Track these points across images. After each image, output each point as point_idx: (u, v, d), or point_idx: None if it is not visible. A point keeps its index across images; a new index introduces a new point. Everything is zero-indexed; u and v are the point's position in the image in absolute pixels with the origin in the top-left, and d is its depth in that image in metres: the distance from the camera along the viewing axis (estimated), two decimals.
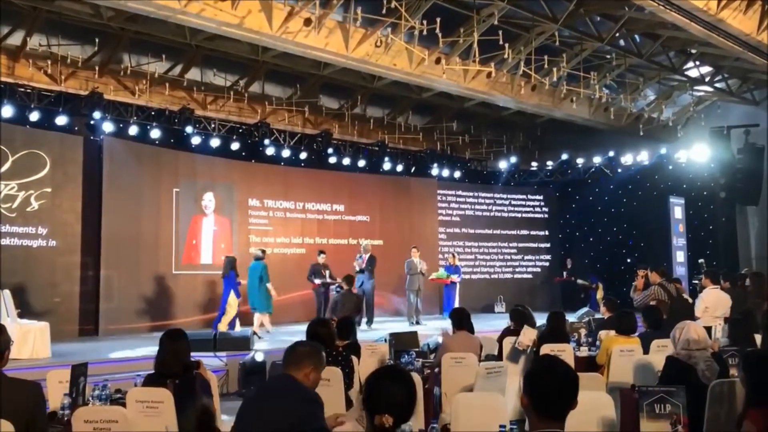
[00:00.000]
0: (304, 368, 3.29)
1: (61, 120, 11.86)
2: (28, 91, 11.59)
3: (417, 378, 4.94)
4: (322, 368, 3.42)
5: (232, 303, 11.45)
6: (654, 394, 3.84)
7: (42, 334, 9.00)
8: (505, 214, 18.58)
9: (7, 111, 11.17)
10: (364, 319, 12.76)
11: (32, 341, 8.82)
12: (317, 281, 12.65)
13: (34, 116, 11.55)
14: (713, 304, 8.10)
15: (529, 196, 18.96)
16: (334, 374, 5.08)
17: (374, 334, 11.08)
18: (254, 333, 10.83)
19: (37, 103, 11.61)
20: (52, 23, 11.67)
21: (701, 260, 13.07)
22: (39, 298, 11.09)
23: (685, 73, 15.95)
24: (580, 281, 16.44)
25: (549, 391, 2.44)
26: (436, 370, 6.35)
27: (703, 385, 4.29)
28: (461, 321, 6.71)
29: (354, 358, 5.58)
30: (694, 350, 4.52)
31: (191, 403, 4.05)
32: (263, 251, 12.29)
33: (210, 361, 8.76)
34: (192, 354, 4.54)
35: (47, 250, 11.53)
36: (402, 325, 12.86)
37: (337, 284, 12.23)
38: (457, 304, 13.57)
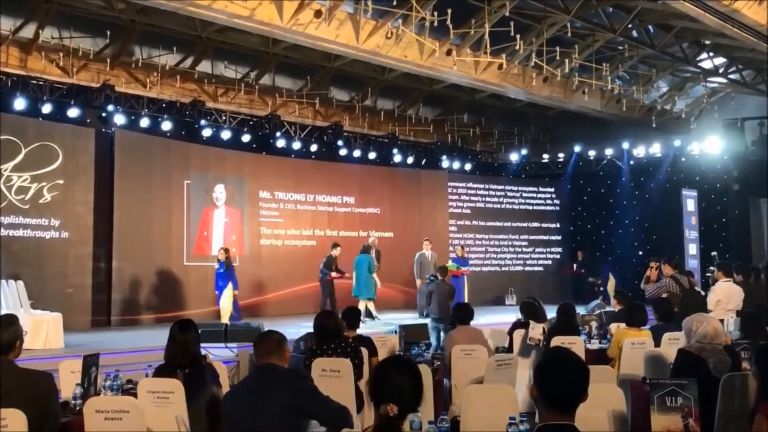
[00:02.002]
0: (284, 352, 3.63)
1: (73, 112, 11.92)
2: (41, 83, 11.64)
3: (426, 369, 4.96)
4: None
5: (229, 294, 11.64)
6: (665, 386, 3.81)
7: (55, 324, 9.07)
8: (516, 207, 18.52)
9: (20, 103, 11.25)
10: (368, 314, 12.81)
11: (45, 332, 8.89)
12: (334, 274, 12.72)
13: (46, 108, 11.61)
14: (726, 296, 8.03)
15: (541, 189, 18.88)
16: (344, 365, 5.09)
17: (384, 326, 11.09)
18: (373, 316, 12.80)
19: (49, 95, 11.66)
20: (64, 16, 11.70)
21: (714, 253, 12.96)
22: (52, 289, 11.18)
23: (699, 64, 15.80)
24: (590, 279, 16.33)
25: (559, 382, 2.43)
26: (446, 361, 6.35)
27: (715, 378, 4.26)
28: (466, 316, 6.71)
29: (363, 349, 5.59)
30: (706, 344, 4.49)
31: (201, 394, 4.07)
32: (369, 245, 13.22)
33: (221, 352, 8.80)
34: (202, 345, 4.56)
35: (60, 242, 11.62)
36: (412, 317, 12.88)
37: (430, 275, 12.13)
38: (466, 297, 13.56)
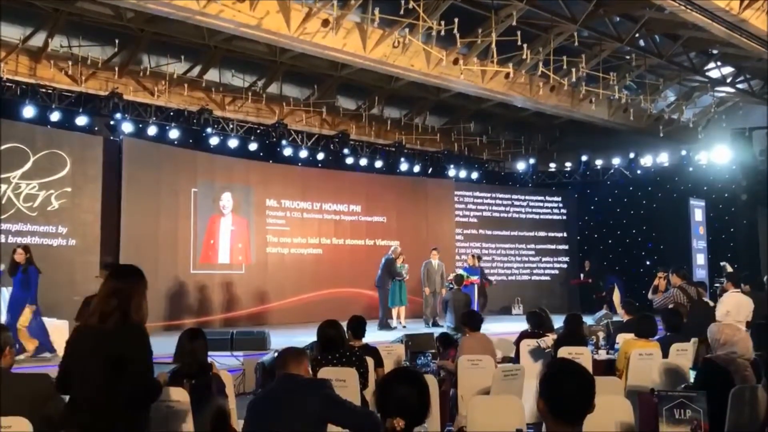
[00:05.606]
0: (303, 364, 3.59)
1: (82, 120, 12.00)
2: (50, 91, 11.72)
3: (432, 380, 4.94)
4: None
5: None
6: (674, 399, 3.78)
7: (61, 332, 9.07)
8: (523, 216, 18.48)
9: (29, 111, 11.32)
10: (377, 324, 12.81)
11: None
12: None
13: (54, 116, 11.68)
14: (735, 308, 7.91)
15: (547, 198, 18.84)
16: (349, 375, 5.06)
17: (391, 335, 11.06)
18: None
19: (57, 103, 11.74)
20: (73, 24, 11.79)
21: (723, 263, 12.85)
22: (59, 297, 11.19)
23: (706, 73, 15.76)
24: (595, 295, 16.21)
25: (565, 394, 2.41)
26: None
27: None
28: (475, 323, 6.70)
29: (368, 359, 5.56)
30: (736, 357, 4.44)
31: (207, 404, 4.06)
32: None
33: (227, 361, 8.79)
34: (209, 353, 4.56)
35: (67, 249, 11.64)
36: (418, 327, 12.84)
37: (448, 282, 12.71)
38: (475, 307, 13.51)
